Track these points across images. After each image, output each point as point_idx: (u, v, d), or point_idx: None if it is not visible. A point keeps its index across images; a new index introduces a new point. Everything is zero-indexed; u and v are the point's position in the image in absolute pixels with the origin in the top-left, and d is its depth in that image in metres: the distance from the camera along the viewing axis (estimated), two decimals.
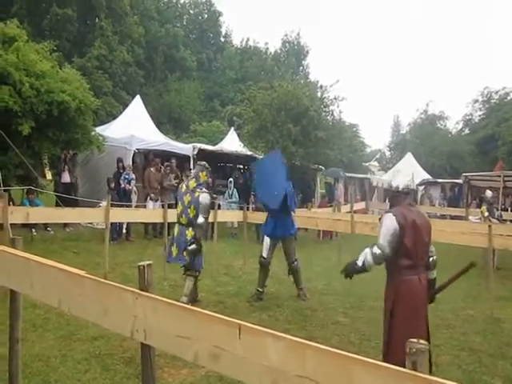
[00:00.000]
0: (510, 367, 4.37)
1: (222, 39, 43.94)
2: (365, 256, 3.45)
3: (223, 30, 43.89)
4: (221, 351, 1.71)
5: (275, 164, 6.64)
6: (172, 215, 8.25)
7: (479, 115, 37.12)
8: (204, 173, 5.81)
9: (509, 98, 34.29)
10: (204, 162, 6.13)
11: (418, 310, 3.36)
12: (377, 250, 3.38)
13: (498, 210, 11.03)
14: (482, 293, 7.14)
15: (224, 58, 40.53)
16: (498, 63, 74.28)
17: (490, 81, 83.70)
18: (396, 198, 3.66)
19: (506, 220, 10.44)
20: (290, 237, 6.74)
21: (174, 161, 12.33)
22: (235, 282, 7.39)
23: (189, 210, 5.61)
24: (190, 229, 5.58)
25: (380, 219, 3.58)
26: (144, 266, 2.07)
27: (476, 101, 37.04)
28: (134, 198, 11.36)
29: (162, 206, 8.23)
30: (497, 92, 35.38)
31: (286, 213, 6.48)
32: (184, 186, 5.85)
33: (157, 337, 1.91)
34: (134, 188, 11.26)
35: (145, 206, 11.03)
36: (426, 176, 22.91)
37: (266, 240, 6.61)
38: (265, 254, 6.55)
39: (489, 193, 11.09)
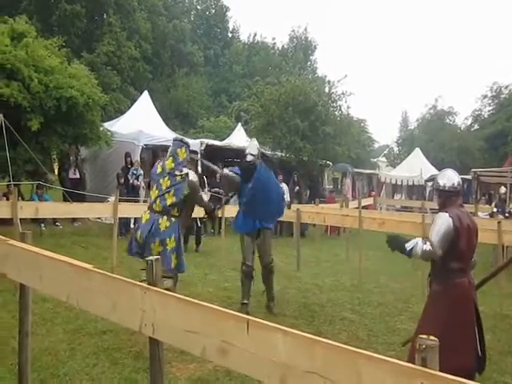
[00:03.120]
0: None
1: (230, 34, 43.83)
2: (415, 245, 3.25)
3: (230, 26, 43.82)
4: (229, 346, 1.71)
5: (265, 176, 5.62)
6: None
7: (488, 110, 36.80)
8: (183, 149, 4.75)
9: None
10: (181, 137, 5.25)
11: (469, 316, 3.29)
12: (428, 247, 3.20)
13: (509, 205, 10.94)
14: (491, 289, 7.07)
15: (231, 54, 40.45)
16: (507, 58, 73.39)
17: (500, 76, 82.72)
18: (447, 198, 3.44)
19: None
20: (269, 230, 5.76)
21: None
22: None
23: (166, 196, 4.58)
24: (165, 217, 4.55)
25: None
26: (152, 261, 2.07)
27: (485, 96, 36.71)
28: (143, 193, 11.40)
29: None
30: (506, 87, 35.01)
31: (268, 202, 5.52)
32: (159, 167, 4.75)
33: (165, 331, 1.92)
34: (142, 183, 11.29)
35: None
36: (435, 172, 22.75)
37: (246, 240, 5.61)
38: (249, 261, 5.61)
39: (502, 189, 11.03)
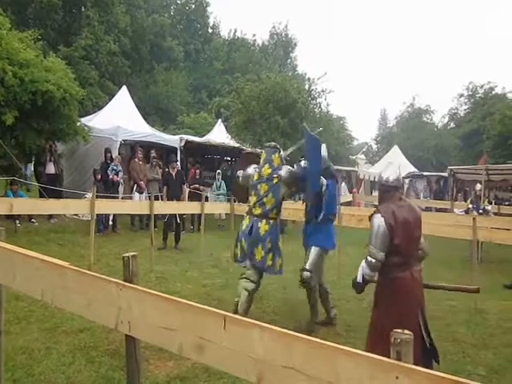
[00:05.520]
0: (493, 357, 4.44)
1: (210, 30, 43.49)
2: (362, 270, 3.47)
3: (211, 21, 43.50)
4: (206, 342, 1.69)
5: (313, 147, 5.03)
6: (158, 207, 8.24)
7: (464, 109, 37.59)
8: (276, 155, 5.05)
9: (493, 92, 34.74)
10: (274, 144, 5.35)
11: (412, 307, 3.30)
12: (371, 259, 3.38)
13: (483, 202, 11.20)
14: (465, 284, 7.24)
15: (211, 49, 40.19)
16: (483, 58, 74.99)
17: (476, 75, 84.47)
18: (386, 192, 3.52)
19: (488, 212, 10.60)
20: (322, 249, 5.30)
21: (153, 152, 12.16)
22: (222, 274, 7.38)
23: (265, 200, 4.85)
24: (264, 221, 4.81)
25: (370, 218, 3.48)
26: (129, 257, 2.05)
27: (461, 95, 37.50)
28: (121, 189, 11.28)
29: (149, 198, 8.17)
30: (482, 86, 35.83)
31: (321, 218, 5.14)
32: (256, 175, 5.00)
33: (141, 328, 1.89)
34: (122, 180, 11.17)
35: (131, 198, 10.95)
36: (412, 169, 23.15)
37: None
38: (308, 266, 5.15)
39: (478, 186, 11.31)
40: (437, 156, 31.87)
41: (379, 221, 3.33)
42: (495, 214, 11.94)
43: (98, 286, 2.04)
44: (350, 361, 1.36)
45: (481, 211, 10.34)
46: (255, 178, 5.02)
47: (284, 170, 4.94)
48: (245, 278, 4.98)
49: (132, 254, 2.10)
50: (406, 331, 1.37)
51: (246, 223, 4.99)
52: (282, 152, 5.18)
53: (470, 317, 5.70)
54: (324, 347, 1.41)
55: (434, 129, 37.40)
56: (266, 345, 1.53)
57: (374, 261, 3.37)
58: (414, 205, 3.61)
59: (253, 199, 4.98)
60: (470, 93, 36.92)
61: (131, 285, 1.95)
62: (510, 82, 71.82)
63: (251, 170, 5.17)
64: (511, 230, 8.03)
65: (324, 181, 5.04)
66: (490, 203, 13.11)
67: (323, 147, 5.15)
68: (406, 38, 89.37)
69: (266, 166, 5.01)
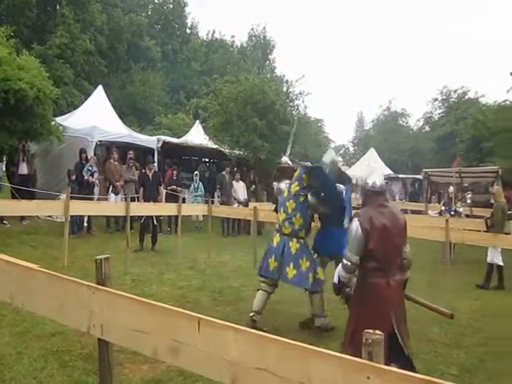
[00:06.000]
0: (465, 356, 4.54)
1: (188, 31, 43.22)
2: (338, 272, 3.54)
3: (189, 22, 43.22)
4: (180, 345, 1.68)
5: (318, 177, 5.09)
6: (135, 208, 8.14)
7: (439, 113, 38.38)
8: (307, 175, 5.04)
9: (466, 97, 35.60)
10: (308, 163, 5.46)
11: (383, 314, 3.28)
12: (346, 262, 3.45)
13: (455, 204, 11.45)
14: (438, 285, 7.39)
15: (189, 50, 39.94)
16: (456, 63, 76.78)
17: (449, 80, 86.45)
18: (368, 196, 3.57)
19: (460, 214, 10.85)
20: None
21: (131, 152, 12.02)
22: (199, 276, 7.34)
23: (294, 219, 4.90)
24: (295, 240, 4.87)
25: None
26: (101, 260, 2.01)
27: (436, 99, 38.29)
28: (97, 190, 11.10)
29: (125, 199, 8.07)
30: (455, 91, 36.67)
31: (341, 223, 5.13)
32: (286, 191, 5.13)
33: (114, 332, 1.87)
34: (97, 181, 10.99)
35: (106, 199, 10.79)
36: (388, 171, 23.49)
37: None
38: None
39: (451, 188, 11.58)
40: (412, 159, 32.43)
41: (356, 225, 3.39)
42: (468, 216, 12.23)
43: (69, 289, 2.00)
44: (322, 362, 1.37)
45: (452, 213, 10.58)
46: (285, 194, 5.13)
47: (309, 198, 4.95)
48: (262, 290, 5.17)
49: (105, 256, 2.07)
50: (378, 331, 1.39)
51: (276, 241, 5.04)
52: (284, 157, 5.27)
53: (443, 317, 5.79)
54: (297, 348, 1.42)
55: (409, 132, 38.06)
56: (239, 347, 1.53)
57: (348, 264, 3.43)
58: (398, 212, 3.58)
59: (281, 216, 5.04)
60: (444, 97, 37.76)
61: (104, 287, 1.92)
62: (483, 87, 73.88)
63: (283, 185, 5.31)
64: (482, 231, 8.27)
65: (342, 187, 5.08)
66: (464, 206, 13.42)
67: (328, 156, 5.43)
68: (384, 41, 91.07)
69: (296, 183, 5.08)
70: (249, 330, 1.53)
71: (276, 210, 5.52)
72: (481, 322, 5.63)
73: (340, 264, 3.54)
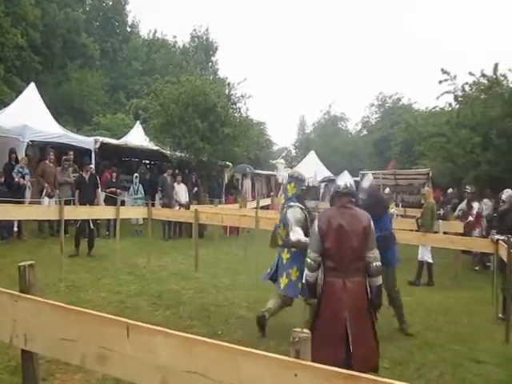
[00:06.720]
0: (396, 350, 4.76)
1: (129, 29, 42.12)
2: (305, 272, 3.64)
3: (129, 20, 42.13)
4: (109, 352, 1.64)
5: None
6: (69, 212, 7.81)
7: (375, 118, 40.14)
8: (292, 184, 4.97)
9: (400, 103, 37.51)
10: (293, 172, 5.45)
11: (337, 313, 3.33)
12: (307, 260, 3.57)
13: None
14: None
15: (130, 49, 38.90)
16: (391, 69, 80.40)
17: (385, 86, 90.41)
18: (334, 197, 3.66)
19: (393, 214, 11.34)
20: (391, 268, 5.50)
21: (71, 153, 11.56)
22: (138, 281, 7.17)
23: (279, 230, 5.00)
24: (286, 250, 4.89)
25: None
26: (25, 266, 1.91)
27: (372, 104, 40.04)
28: (28, 193, 10.53)
29: (59, 203, 7.72)
30: (390, 97, 38.54)
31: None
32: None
33: (39, 341, 1.78)
34: (29, 183, 10.43)
35: (39, 203, 10.26)
36: (328, 173, 24.16)
37: None
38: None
39: (387, 190, 12.12)
40: (351, 161, 33.61)
41: (315, 224, 3.52)
42: (401, 216, 12.85)
43: None
44: (251, 361, 1.39)
45: None
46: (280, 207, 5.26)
47: (290, 212, 4.79)
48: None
49: (29, 262, 1.97)
50: (305, 330, 1.43)
51: (278, 252, 5.14)
52: (300, 181, 5.05)
53: (379, 314, 6.04)
54: (226, 350, 1.43)
55: (348, 135, 39.45)
56: (169, 351, 1.52)
57: (309, 261, 3.55)
58: (362, 215, 3.53)
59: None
60: (380, 102, 39.55)
61: (27, 295, 1.83)
62: (415, 94, 77.84)
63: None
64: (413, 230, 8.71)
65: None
66: (398, 206, 14.10)
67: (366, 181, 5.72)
68: (324, 46, 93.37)
69: (283, 195, 5.23)
70: (178, 333, 1.52)
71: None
72: (413, 316, 5.91)
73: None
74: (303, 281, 4.69)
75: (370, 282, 3.52)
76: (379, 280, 3.55)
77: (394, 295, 5.52)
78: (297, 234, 4.53)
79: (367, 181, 5.89)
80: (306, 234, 4.51)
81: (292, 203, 4.85)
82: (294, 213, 4.74)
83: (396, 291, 5.54)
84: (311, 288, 3.64)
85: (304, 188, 5.11)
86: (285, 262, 4.89)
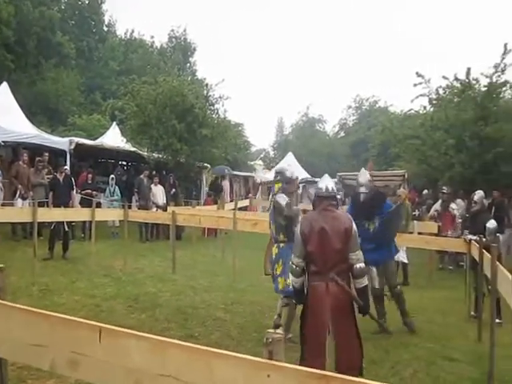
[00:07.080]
0: (372, 349, 4.79)
1: (105, 28, 41.57)
2: (290, 277, 3.63)
3: (106, 19, 41.58)
4: (80, 357, 1.61)
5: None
6: (43, 214, 7.65)
7: (352, 120, 40.63)
8: (278, 184, 5.08)
9: (377, 105, 38.09)
10: (278, 170, 5.45)
11: (321, 317, 3.32)
12: (292, 265, 3.54)
13: None
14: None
15: (106, 49, 38.38)
16: (368, 72, 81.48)
17: (362, 88, 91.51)
18: (316, 200, 3.64)
19: None
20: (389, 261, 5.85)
21: (46, 154, 11.33)
22: (114, 284, 7.07)
23: (269, 225, 5.17)
24: (275, 245, 4.99)
25: None
26: None
27: (350, 106, 40.53)
28: (1, 194, 10.27)
29: (33, 204, 7.55)
30: (367, 99, 39.09)
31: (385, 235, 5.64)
32: None
33: (7, 347, 1.74)
34: (0, 184, 10.17)
35: (13, 204, 10.02)
36: (306, 175, 24.31)
37: (372, 269, 5.59)
38: (376, 284, 5.68)
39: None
40: (329, 163, 33.91)
41: (297, 228, 3.53)
42: None
43: None
44: (224, 363, 1.38)
45: None
46: None
47: (278, 197, 4.90)
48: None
49: None
50: (278, 331, 1.44)
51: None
52: (285, 177, 5.08)
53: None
54: (198, 352, 1.42)
55: (326, 137, 39.80)
56: (142, 354, 1.50)
57: (293, 266, 3.53)
58: (343, 217, 3.52)
59: None
60: (357, 105, 40.07)
61: None
62: (391, 97, 78.87)
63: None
64: None
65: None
66: None
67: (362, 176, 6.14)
68: (302, 48, 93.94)
69: (271, 194, 5.40)
70: (151, 336, 1.50)
71: None
72: (388, 315, 5.97)
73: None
74: (288, 280, 4.68)
75: (354, 284, 3.49)
76: (364, 281, 3.52)
77: (397, 292, 5.75)
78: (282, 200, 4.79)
79: (364, 175, 6.14)
80: (291, 219, 4.75)
81: (278, 195, 4.99)
82: (281, 198, 4.87)
83: (397, 288, 5.79)
84: (297, 293, 3.64)
85: (288, 180, 5.17)
86: (274, 256, 5.00)
